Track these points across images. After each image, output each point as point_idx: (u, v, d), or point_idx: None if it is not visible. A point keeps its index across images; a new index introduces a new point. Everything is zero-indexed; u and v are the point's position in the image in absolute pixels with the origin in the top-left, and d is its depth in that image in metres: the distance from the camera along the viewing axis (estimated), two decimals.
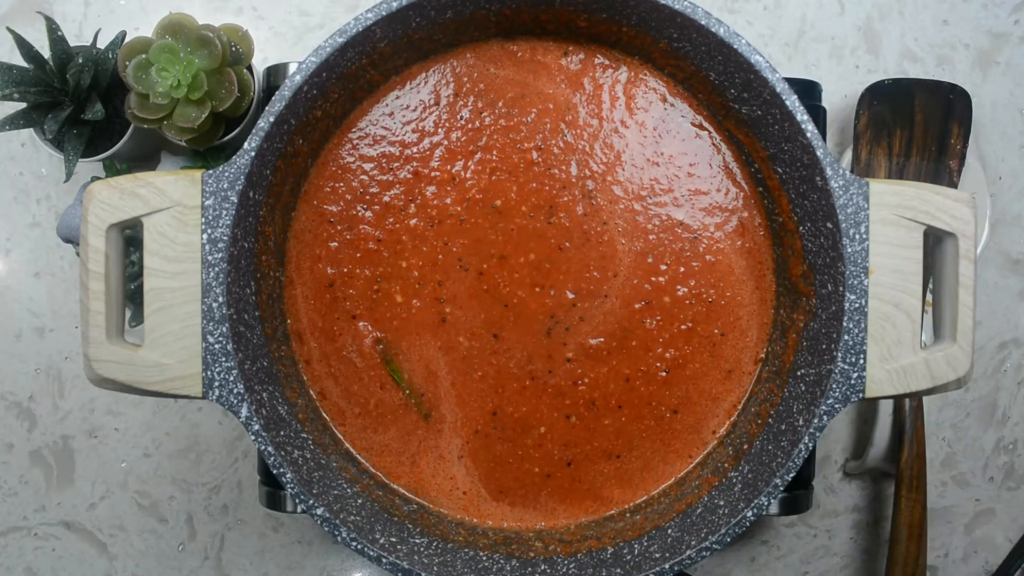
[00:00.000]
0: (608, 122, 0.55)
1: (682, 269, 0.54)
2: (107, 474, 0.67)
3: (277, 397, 0.50)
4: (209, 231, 0.46)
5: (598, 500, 0.55)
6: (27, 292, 0.66)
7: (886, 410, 0.64)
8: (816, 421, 0.47)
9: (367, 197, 0.54)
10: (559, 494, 0.54)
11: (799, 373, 0.51)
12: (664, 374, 0.54)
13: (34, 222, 0.66)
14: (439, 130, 0.54)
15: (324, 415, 0.54)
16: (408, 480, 0.54)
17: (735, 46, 0.48)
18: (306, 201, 0.54)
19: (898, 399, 0.60)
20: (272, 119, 0.47)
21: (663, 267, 0.54)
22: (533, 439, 0.54)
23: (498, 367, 0.54)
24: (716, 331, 0.54)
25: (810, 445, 0.48)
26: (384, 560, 0.47)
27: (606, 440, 0.54)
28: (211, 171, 0.46)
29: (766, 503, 0.48)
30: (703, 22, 0.48)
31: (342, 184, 0.54)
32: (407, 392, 0.54)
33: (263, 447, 0.47)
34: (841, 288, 0.48)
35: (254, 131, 0.47)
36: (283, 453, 0.47)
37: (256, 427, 0.47)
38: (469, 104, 0.54)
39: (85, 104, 0.56)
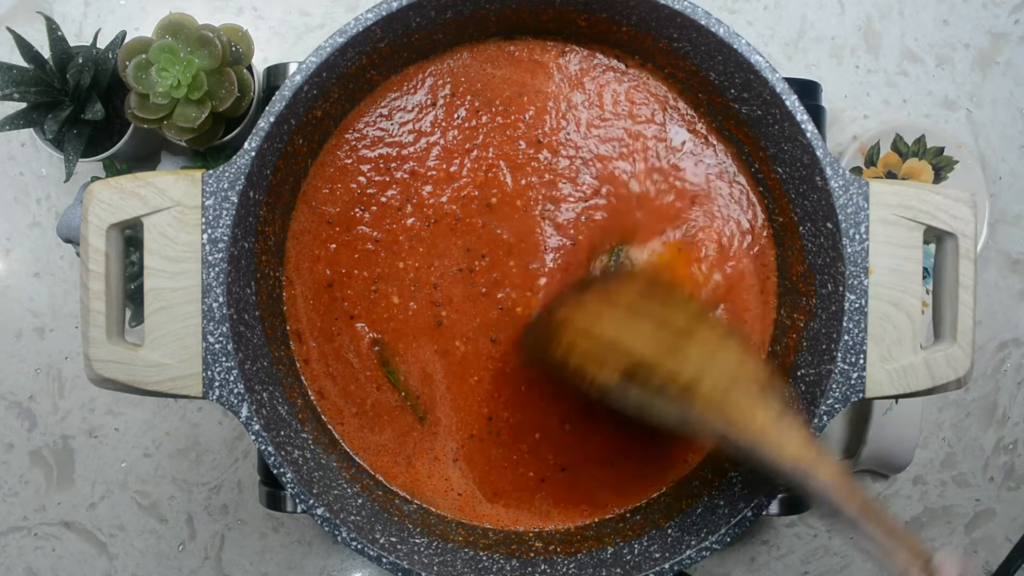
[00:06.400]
0: (606, 119, 0.55)
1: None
2: (107, 474, 0.67)
3: (277, 397, 0.50)
4: (209, 231, 0.46)
5: (592, 505, 0.54)
6: (27, 292, 0.66)
7: (879, 410, 0.63)
8: (816, 421, 0.47)
9: (364, 198, 0.54)
10: (553, 498, 0.54)
11: (799, 373, 0.51)
12: None
13: (34, 222, 0.66)
14: (436, 130, 0.54)
15: (322, 415, 0.54)
16: (404, 480, 0.54)
17: (735, 46, 0.48)
18: (305, 202, 0.54)
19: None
20: (272, 119, 0.47)
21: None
22: (528, 444, 0.54)
23: (494, 372, 0.54)
24: None
25: None
26: (384, 560, 0.47)
27: (600, 447, 0.54)
28: (211, 171, 0.46)
29: (766, 503, 0.48)
30: (703, 22, 0.48)
31: (340, 186, 0.54)
32: (403, 394, 0.54)
33: (263, 447, 0.47)
34: (841, 288, 0.48)
35: (254, 131, 0.47)
36: (283, 453, 0.47)
37: (256, 427, 0.47)
38: (466, 103, 0.54)
39: (85, 104, 0.56)
